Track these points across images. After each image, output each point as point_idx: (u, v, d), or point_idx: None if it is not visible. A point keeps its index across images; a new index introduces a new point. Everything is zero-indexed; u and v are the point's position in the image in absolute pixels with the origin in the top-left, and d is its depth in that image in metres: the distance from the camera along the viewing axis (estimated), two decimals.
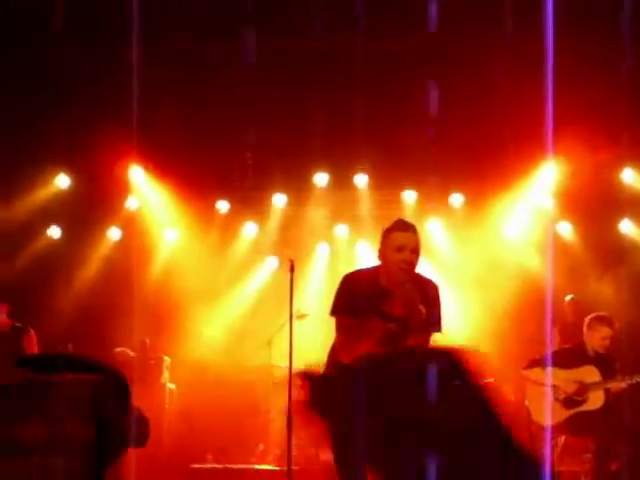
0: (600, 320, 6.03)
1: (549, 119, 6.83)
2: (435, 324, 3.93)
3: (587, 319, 6.11)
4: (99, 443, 1.74)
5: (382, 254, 3.96)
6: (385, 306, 3.83)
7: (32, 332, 6.72)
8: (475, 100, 7.68)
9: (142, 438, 3.22)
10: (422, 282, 3.98)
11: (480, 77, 7.62)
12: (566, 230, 8.58)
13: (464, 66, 7.64)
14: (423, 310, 3.79)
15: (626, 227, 8.37)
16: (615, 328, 6.02)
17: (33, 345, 6.68)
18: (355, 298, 3.87)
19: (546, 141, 7.18)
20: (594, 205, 8.20)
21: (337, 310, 3.94)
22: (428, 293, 3.94)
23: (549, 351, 6.23)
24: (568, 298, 7.63)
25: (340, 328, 3.92)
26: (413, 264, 3.89)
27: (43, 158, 8.24)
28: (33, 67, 7.71)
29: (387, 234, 3.96)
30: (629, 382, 5.76)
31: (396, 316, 3.81)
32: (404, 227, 3.96)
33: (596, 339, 5.96)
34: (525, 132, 7.52)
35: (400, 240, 3.89)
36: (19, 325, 6.73)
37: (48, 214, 8.46)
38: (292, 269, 5.57)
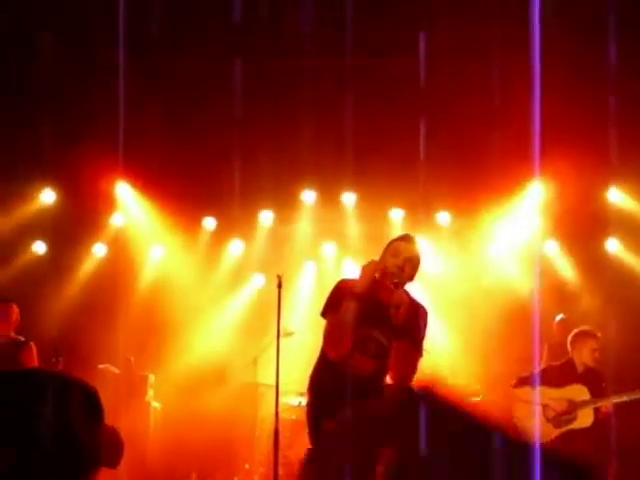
0: (585, 334, 6.07)
1: (536, 139, 6.85)
2: (417, 346, 3.99)
3: (571, 336, 6.13)
4: (69, 459, 1.68)
5: (380, 261, 4.07)
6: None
7: (33, 346, 6.25)
8: (463, 119, 7.71)
9: (114, 458, 3.14)
10: (413, 304, 4.04)
11: (468, 96, 7.64)
12: (553, 249, 8.59)
13: (452, 85, 7.67)
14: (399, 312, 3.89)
15: (612, 246, 8.39)
16: (599, 339, 6.05)
17: (32, 360, 6.32)
18: (341, 297, 3.97)
19: (533, 160, 7.21)
20: (581, 224, 8.22)
21: (326, 310, 4.05)
22: (418, 316, 4.01)
23: (537, 369, 6.22)
24: (558, 318, 7.61)
25: (328, 327, 4.02)
26: (404, 270, 3.99)
27: (29, 173, 8.19)
28: (18, 82, 7.67)
29: (388, 244, 4.12)
30: (618, 400, 5.76)
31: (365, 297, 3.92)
32: (404, 237, 4.15)
33: (586, 353, 5.97)
34: (513, 151, 7.54)
35: (397, 247, 4.05)
36: (19, 338, 6.30)
37: (33, 229, 8.40)
38: (280, 285, 5.53)
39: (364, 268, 4.01)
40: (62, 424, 1.62)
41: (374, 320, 3.94)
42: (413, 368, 3.96)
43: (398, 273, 3.96)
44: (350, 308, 3.90)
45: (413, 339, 3.95)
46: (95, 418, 1.69)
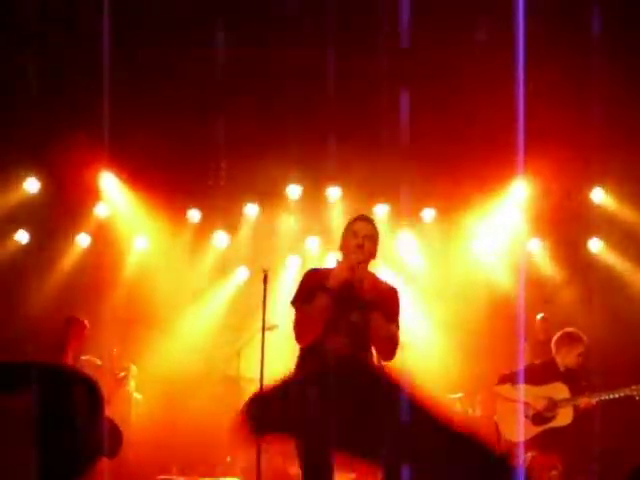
0: (572, 338, 6.07)
1: (520, 137, 6.90)
2: (391, 318, 4.13)
3: (557, 337, 6.15)
4: (73, 450, 1.70)
5: (341, 244, 4.29)
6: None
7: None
8: (447, 117, 7.73)
9: (114, 448, 3.16)
10: (380, 282, 4.23)
11: (453, 95, 7.67)
12: (536, 247, 8.64)
13: (437, 83, 7.70)
14: (366, 287, 4.05)
15: (595, 245, 8.45)
16: (586, 343, 6.08)
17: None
18: (312, 288, 4.11)
19: (517, 159, 7.25)
20: (564, 223, 8.29)
21: (296, 299, 4.19)
22: (386, 291, 4.19)
23: (521, 367, 6.25)
24: (539, 317, 7.67)
25: (298, 316, 4.15)
26: (365, 247, 4.16)
27: (12, 161, 8.13)
28: (2, 70, 7.60)
29: (346, 227, 4.32)
30: (598, 399, 5.81)
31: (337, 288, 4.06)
32: (361, 217, 4.36)
33: (572, 356, 6.01)
34: (497, 150, 7.59)
35: (355, 228, 4.23)
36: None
37: (16, 218, 8.33)
38: (265, 280, 5.54)
39: (339, 266, 4.14)
40: (67, 416, 1.64)
41: (345, 303, 4.07)
42: (392, 340, 4.11)
43: (360, 251, 4.13)
44: (323, 303, 4.03)
45: (386, 312, 4.09)
46: (97, 410, 1.71)
